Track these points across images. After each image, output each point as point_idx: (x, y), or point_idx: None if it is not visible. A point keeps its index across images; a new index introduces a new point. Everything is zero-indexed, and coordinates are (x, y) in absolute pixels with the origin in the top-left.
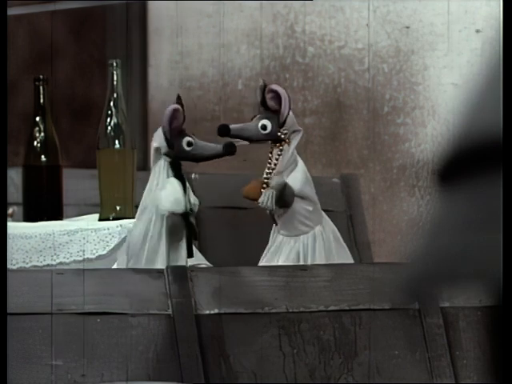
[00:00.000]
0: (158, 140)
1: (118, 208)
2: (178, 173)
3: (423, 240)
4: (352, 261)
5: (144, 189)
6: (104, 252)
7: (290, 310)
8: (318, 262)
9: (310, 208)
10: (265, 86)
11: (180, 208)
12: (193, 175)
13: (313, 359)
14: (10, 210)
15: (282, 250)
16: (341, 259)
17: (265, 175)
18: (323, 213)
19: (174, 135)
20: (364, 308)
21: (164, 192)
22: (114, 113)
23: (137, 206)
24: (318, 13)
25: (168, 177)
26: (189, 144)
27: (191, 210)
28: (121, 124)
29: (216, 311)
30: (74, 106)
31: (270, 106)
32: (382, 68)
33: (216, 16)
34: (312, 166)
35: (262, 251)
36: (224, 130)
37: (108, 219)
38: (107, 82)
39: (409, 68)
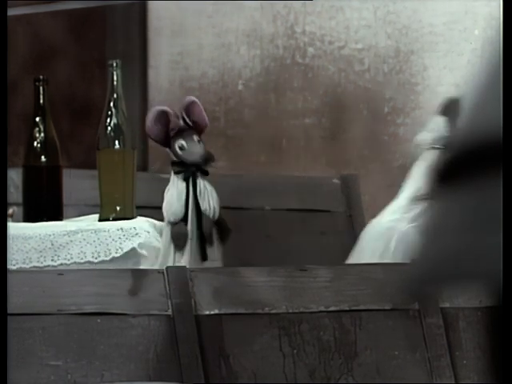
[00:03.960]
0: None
1: (118, 208)
2: (183, 176)
3: (423, 241)
4: None
5: (143, 189)
6: (107, 258)
7: (290, 311)
8: None
9: None
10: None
11: (175, 216)
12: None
13: (313, 359)
14: (10, 211)
15: None
16: None
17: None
18: None
19: (164, 137)
20: (364, 308)
21: (164, 201)
22: (114, 113)
23: (137, 207)
24: (318, 13)
25: (173, 182)
26: (181, 148)
27: (200, 215)
28: (121, 124)
29: (216, 311)
30: (74, 106)
31: None
32: (381, 68)
33: (216, 16)
34: (312, 167)
35: (262, 251)
36: None
37: (108, 220)
38: (107, 83)
39: (409, 68)
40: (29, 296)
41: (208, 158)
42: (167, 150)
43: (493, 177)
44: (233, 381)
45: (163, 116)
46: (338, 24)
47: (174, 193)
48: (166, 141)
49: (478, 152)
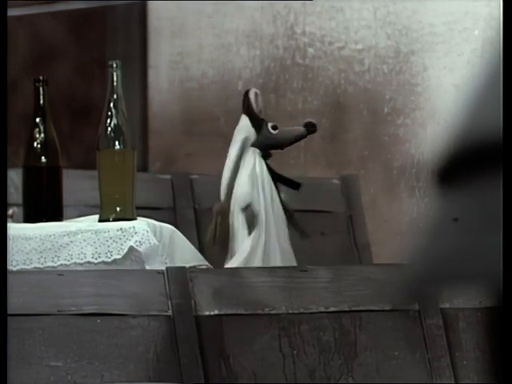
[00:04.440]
0: (244, 129)
1: (118, 209)
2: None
3: (423, 241)
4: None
5: (143, 190)
6: (108, 260)
7: (290, 311)
8: None
9: None
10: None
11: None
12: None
13: (313, 360)
14: (10, 211)
15: None
16: None
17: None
18: None
19: (258, 121)
20: (364, 309)
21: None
22: (113, 113)
23: (137, 207)
24: (318, 14)
25: (254, 164)
26: (274, 128)
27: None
28: (121, 125)
29: (216, 312)
30: (74, 107)
31: None
32: (381, 69)
33: (216, 16)
34: (312, 167)
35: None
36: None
37: (108, 220)
38: (107, 83)
39: (409, 69)
40: (29, 296)
41: (312, 126)
42: (254, 138)
43: (493, 177)
44: (233, 381)
45: (258, 98)
46: (338, 24)
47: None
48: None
49: (478, 152)
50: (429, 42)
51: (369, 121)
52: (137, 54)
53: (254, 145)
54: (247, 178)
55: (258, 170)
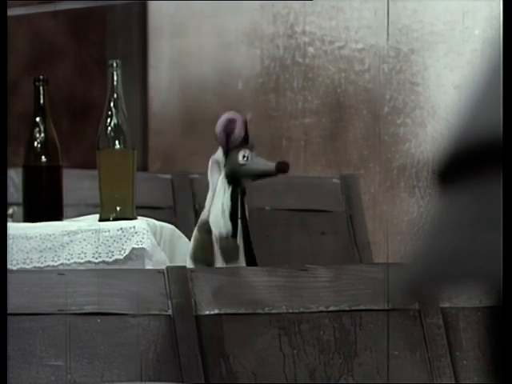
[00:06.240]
0: (218, 152)
1: (118, 208)
2: (234, 190)
3: (423, 240)
4: None
5: (143, 189)
6: (109, 260)
7: (290, 311)
8: None
9: None
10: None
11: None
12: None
13: (313, 359)
14: (10, 211)
15: None
16: None
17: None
18: None
19: (230, 147)
20: (364, 308)
21: (213, 214)
22: (114, 113)
23: (137, 207)
24: (318, 13)
25: (224, 192)
26: (243, 157)
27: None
28: (121, 124)
29: (216, 311)
30: (74, 106)
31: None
32: (382, 68)
33: (216, 16)
34: (312, 167)
35: (262, 251)
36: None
37: (108, 220)
38: (107, 83)
39: (409, 68)
40: (29, 296)
41: (284, 164)
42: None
43: (493, 176)
44: (233, 381)
45: (233, 124)
46: (338, 24)
47: (216, 207)
48: (229, 151)
49: (478, 151)
50: (429, 41)
51: (369, 120)
52: (137, 54)
53: (225, 173)
54: (220, 206)
55: (225, 200)
